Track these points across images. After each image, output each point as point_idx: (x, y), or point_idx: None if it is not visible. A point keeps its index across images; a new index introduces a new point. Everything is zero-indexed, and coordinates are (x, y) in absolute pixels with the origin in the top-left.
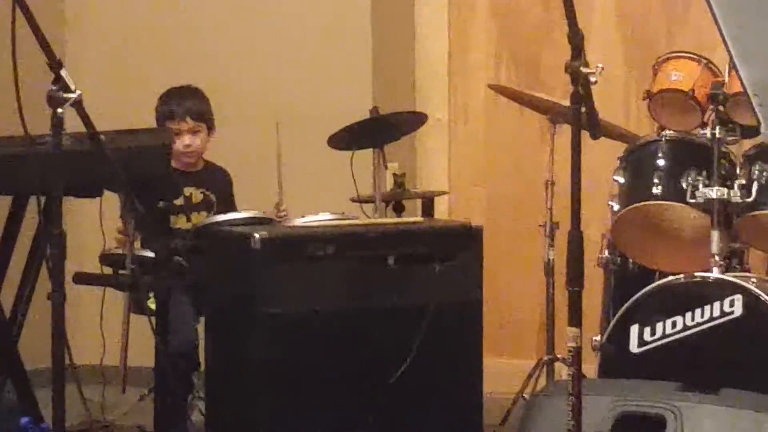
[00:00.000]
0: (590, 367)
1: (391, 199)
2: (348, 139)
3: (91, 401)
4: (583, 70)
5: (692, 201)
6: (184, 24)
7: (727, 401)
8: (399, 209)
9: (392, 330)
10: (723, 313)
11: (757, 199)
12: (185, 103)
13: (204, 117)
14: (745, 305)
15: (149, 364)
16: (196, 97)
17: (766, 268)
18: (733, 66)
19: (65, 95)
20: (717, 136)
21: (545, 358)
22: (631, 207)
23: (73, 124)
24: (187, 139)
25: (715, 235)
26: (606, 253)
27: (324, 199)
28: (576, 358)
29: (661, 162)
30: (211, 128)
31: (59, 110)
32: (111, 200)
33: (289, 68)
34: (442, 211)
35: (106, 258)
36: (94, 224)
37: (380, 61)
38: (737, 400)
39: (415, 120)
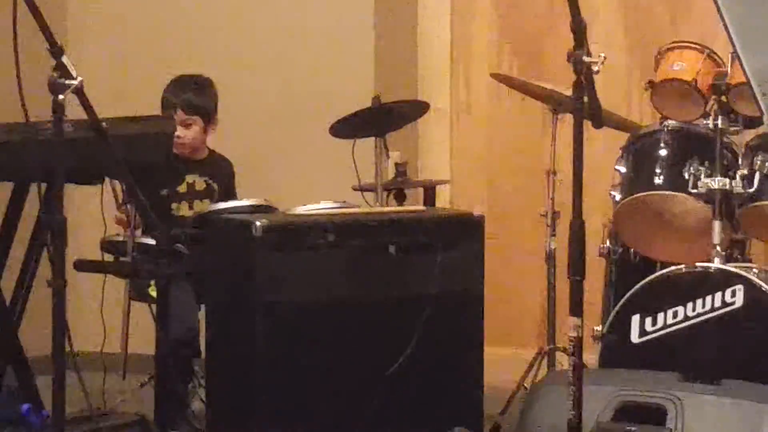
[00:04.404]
0: (591, 357)
1: (393, 188)
2: (350, 127)
3: (92, 388)
4: (586, 59)
5: (694, 191)
6: (187, 11)
7: (727, 392)
8: (400, 198)
9: (393, 319)
10: (724, 304)
11: (759, 190)
12: (181, 95)
13: (198, 110)
14: (746, 296)
15: (150, 351)
16: (195, 89)
17: (767, 259)
18: (735, 56)
19: (66, 81)
20: (719, 126)
21: (546, 347)
22: (632, 197)
23: (74, 110)
24: (178, 130)
25: (716, 225)
26: (607, 242)
27: (325, 187)
28: (577, 347)
29: (663, 152)
30: (209, 121)
31: (60, 97)
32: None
33: (292, 57)
34: (443, 200)
35: (107, 245)
36: (94, 211)
37: (382, 50)
38: (738, 391)
39: (417, 109)
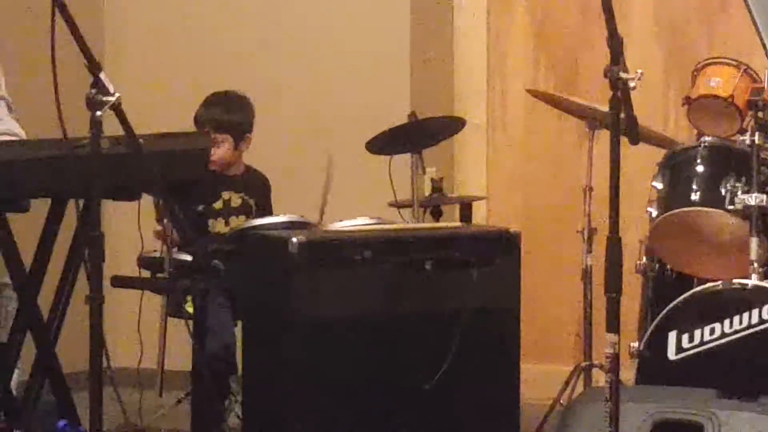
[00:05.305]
0: (628, 374)
1: (429, 204)
2: (386, 143)
3: (128, 404)
4: (623, 75)
5: (731, 207)
6: (222, 27)
7: (765, 408)
8: (437, 214)
9: (429, 335)
10: (761, 320)
11: None
12: (210, 112)
13: (227, 128)
14: None
15: (186, 367)
16: (225, 106)
17: None
18: None
19: (104, 98)
20: (756, 142)
21: (583, 364)
22: (669, 213)
23: (112, 126)
24: None
25: (753, 241)
26: (644, 259)
27: (362, 203)
28: (614, 364)
29: (699, 168)
30: (239, 139)
31: (98, 113)
32: (149, 203)
33: (328, 73)
34: (479, 216)
35: (144, 261)
36: (131, 227)
37: (419, 66)
38: None
39: (453, 125)
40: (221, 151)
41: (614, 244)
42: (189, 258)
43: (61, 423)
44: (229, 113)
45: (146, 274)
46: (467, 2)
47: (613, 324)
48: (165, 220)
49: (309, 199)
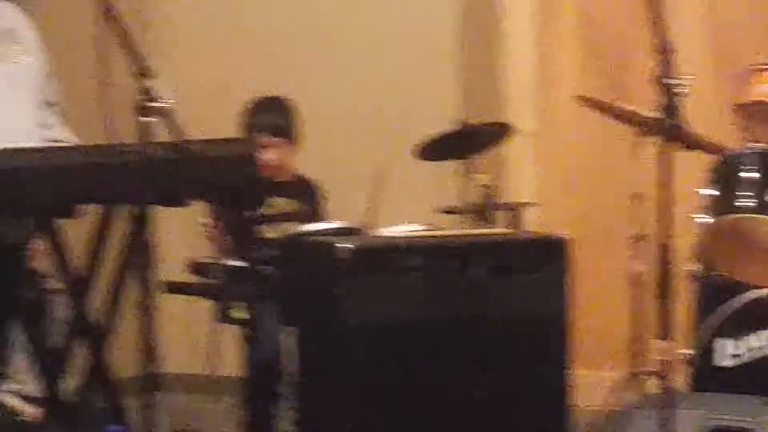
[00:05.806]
0: (680, 380)
1: (479, 211)
2: (436, 150)
3: (179, 410)
4: (673, 81)
5: None
6: (270, 33)
7: None
8: (486, 220)
9: (478, 341)
10: None
11: None
12: (265, 118)
13: (282, 132)
14: None
15: (237, 373)
16: (276, 110)
17: None
18: None
19: (153, 104)
20: None
21: (635, 370)
22: (719, 220)
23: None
24: (263, 153)
25: None
26: (694, 265)
27: (411, 210)
28: (665, 371)
29: (750, 175)
30: (292, 142)
31: (147, 119)
32: (199, 209)
33: (377, 80)
34: (529, 222)
35: (194, 267)
36: (182, 233)
37: (468, 72)
38: None
39: (502, 131)
40: (277, 155)
41: (665, 251)
42: (240, 264)
43: (113, 429)
44: (282, 118)
45: (197, 279)
46: (515, 8)
47: (665, 330)
48: (216, 224)
49: (357, 206)
